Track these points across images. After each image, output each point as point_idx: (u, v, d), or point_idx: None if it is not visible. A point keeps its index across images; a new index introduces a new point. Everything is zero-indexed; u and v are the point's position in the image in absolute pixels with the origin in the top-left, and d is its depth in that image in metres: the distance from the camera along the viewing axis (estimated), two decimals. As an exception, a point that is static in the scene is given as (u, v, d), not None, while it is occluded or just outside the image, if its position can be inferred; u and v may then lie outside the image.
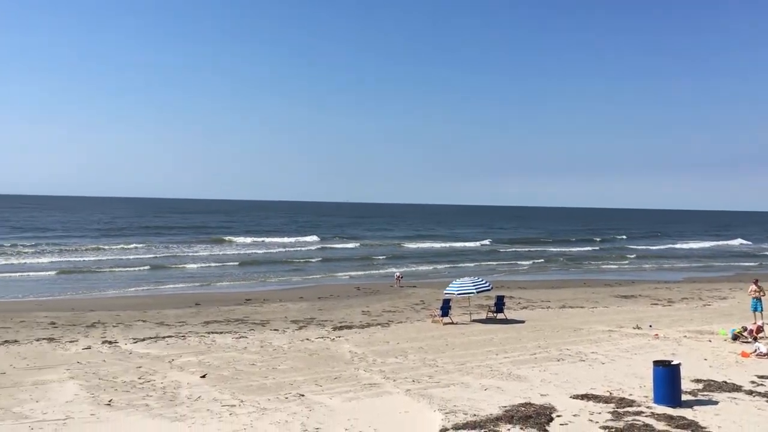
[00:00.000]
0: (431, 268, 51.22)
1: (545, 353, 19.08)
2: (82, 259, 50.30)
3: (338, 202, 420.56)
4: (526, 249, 73.14)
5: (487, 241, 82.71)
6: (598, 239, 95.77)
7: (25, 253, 52.20)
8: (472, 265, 54.38)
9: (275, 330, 23.00)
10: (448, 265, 52.78)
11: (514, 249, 73.05)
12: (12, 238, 65.00)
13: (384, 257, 59.09)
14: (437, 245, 75.51)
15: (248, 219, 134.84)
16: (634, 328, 23.60)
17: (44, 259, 48.55)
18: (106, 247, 58.95)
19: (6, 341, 20.19)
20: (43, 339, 20.63)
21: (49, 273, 41.46)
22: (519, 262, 57.57)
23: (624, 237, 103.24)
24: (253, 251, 62.54)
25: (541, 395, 14.23)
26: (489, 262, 56.87)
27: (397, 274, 39.71)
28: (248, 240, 74.54)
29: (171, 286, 37.23)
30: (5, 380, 15.44)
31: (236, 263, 50.99)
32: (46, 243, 61.24)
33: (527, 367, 17.14)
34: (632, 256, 67.66)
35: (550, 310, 28.84)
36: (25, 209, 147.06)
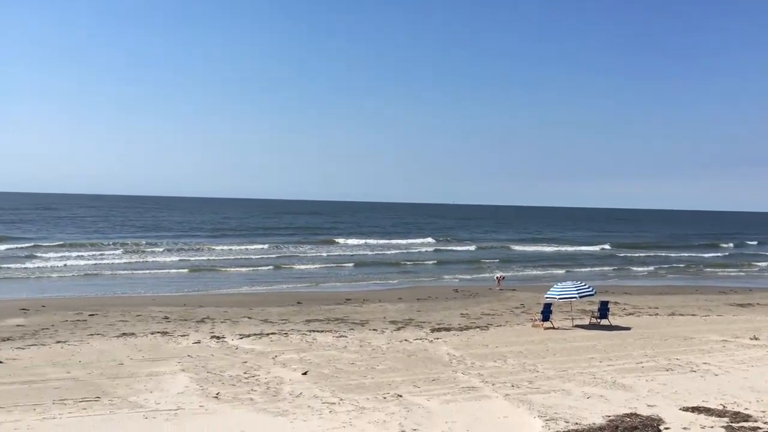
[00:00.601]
0: (544, 272, 49.34)
1: (653, 362, 18.29)
2: (206, 258, 52.20)
3: (440, 204, 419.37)
4: (647, 254, 68.94)
5: (606, 245, 78.14)
6: (724, 244, 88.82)
7: (151, 251, 54.75)
8: (587, 269, 52.25)
9: (374, 330, 23.26)
10: (562, 270, 50.46)
11: (636, 254, 68.84)
12: (139, 237, 68.67)
13: (496, 260, 57.52)
14: (549, 249, 72.98)
15: (355, 220, 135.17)
16: (751, 339, 22.22)
17: (172, 258, 50.80)
18: (224, 247, 60.64)
19: (124, 333, 21.49)
20: (158, 332, 21.80)
21: (180, 270, 43.70)
22: (636, 268, 54.69)
23: (755, 243, 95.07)
24: (365, 252, 62.46)
25: (648, 406, 13.66)
26: (606, 267, 54.36)
27: (498, 276, 39.21)
28: (360, 241, 73.68)
29: (280, 286, 38.35)
30: (123, 371, 16.45)
31: (349, 264, 51.22)
32: (170, 242, 64.06)
33: (633, 376, 16.49)
34: (763, 264, 62.11)
35: (658, 317, 27.62)
36: (148, 209, 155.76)
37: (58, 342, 19.95)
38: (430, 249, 68.92)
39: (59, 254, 49.72)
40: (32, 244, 56.67)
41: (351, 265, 50.93)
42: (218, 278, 41.11)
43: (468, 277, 45.29)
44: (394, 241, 75.53)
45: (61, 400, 13.65)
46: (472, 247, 71.65)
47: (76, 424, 12.01)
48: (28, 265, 43.29)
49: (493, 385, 15.47)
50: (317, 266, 49.51)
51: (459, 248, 71.19)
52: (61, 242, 58.99)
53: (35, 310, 25.89)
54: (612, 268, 54.70)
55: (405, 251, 65.09)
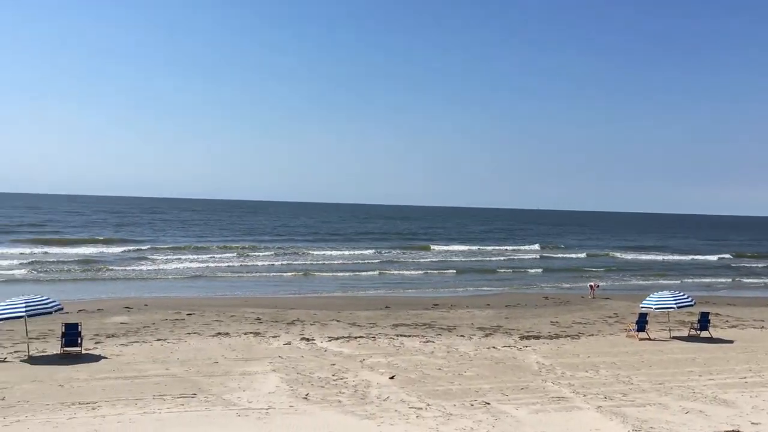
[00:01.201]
0: (651, 282, 46.66)
1: (758, 378, 17.28)
2: (309, 262, 53.00)
3: (526, 210, 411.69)
4: (765, 265, 64.40)
5: (726, 255, 73.16)
6: None
7: (255, 255, 56.20)
8: (697, 279, 49.61)
9: (461, 336, 23.10)
10: (673, 281, 47.58)
11: (756, 264, 64.64)
12: (242, 241, 70.28)
13: (602, 269, 55.22)
14: (661, 257, 69.49)
15: (450, 226, 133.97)
16: None
17: (276, 262, 52.01)
18: (325, 252, 61.06)
19: (219, 333, 22.28)
20: (250, 333, 22.47)
21: (283, 274, 44.66)
22: (750, 279, 51.37)
23: None
24: (460, 258, 61.55)
25: (753, 423, 12.92)
26: (721, 279, 51.23)
27: (592, 284, 38.11)
28: (461, 247, 72.30)
29: (369, 290, 38.71)
30: (218, 369, 17.05)
31: (441, 270, 50.52)
32: (275, 246, 65.19)
33: (735, 392, 15.64)
34: None
35: (764, 330, 26.07)
36: (245, 214, 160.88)
37: (159, 340, 20.91)
38: (536, 256, 66.96)
39: (169, 256, 52.05)
40: (148, 246, 59.32)
41: (444, 271, 50.26)
42: (313, 281, 41.87)
43: (567, 285, 43.88)
44: (497, 248, 73.69)
45: (160, 395, 14.30)
46: (581, 255, 68.86)
47: (174, 419, 12.55)
48: (141, 267, 45.18)
49: (584, 396, 15.04)
50: (411, 272, 49.03)
51: (566, 256, 68.63)
52: (173, 245, 61.45)
53: (138, 309, 27.25)
54: (726, 279, 51.54)
55: (509, 258, 63.50)
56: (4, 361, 17.56)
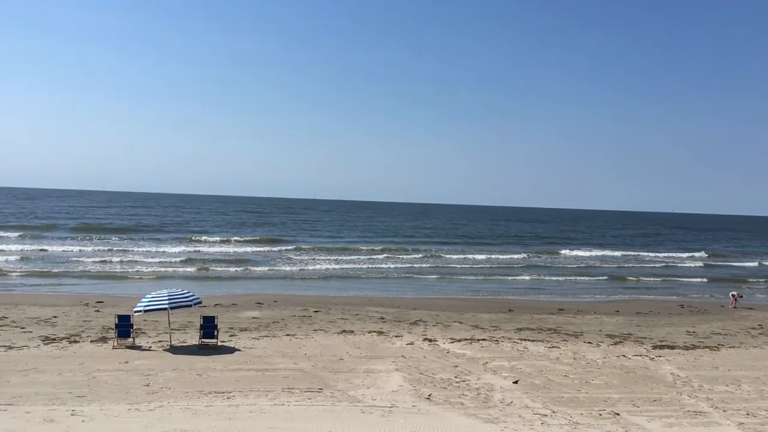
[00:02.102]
0: None
1: None
2: (445, 265, 51.84)
3: (661, 213, 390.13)
4: None
5: None
6: None
7: (400, 258, 55.69)
8: None
9: (589, 343, 22.33)
10: None
11: None
12: (382, 243, 69.48)
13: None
14: None
15: (582, 229, 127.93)
16: None
17: (423, 264, 51.49)
18: (459, 255, 58.98)
19: (344, 331, 22.83)
20: (374, 332, 22.86)
21: (429, 277, 44.09)
22: None
23: None
24: (594, 264, 58.56)
25: None
26: None
27: (734, 293, 35.62)
28: (598, 253, 68.60)
29: (492, 293, 38.33)
30: (343, 366, 17.49)
31: (567, 276, 48.27)
32: (422, 248, 64.37)
33: None
34: None
35: None
36: (372, 214, 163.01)
37: (287, 335, 21.74)
38: (699, 264, 61.33)
39: (311, 257, 53.27)
40: (293, 246, 60.84)
41: (570, 277, 47.92)
42: (437, 283, 41.83)
43: (706, 295, 41.00)
44: (664, 255, 68.96)
45: (289, 388, 14.87)
46: (753, 264, 62.35)
47: (301, 412, 13.00)
48: (282, 267, 45.80)
49: (724, 411, 14.10)
50: (541, 277, 47.05)
51: (736, 264, 62.22)
52: (316, 245, 62.85)
53: (268, 305, 28.47)
54: None
55: (667, 264, 59.36)
56: (149, 350, 18.93)
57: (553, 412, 13.65)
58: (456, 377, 16.58)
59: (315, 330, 22.88)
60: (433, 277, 44.27)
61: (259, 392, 14.44)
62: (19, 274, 36.69)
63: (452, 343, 21.35)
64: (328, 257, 53.61)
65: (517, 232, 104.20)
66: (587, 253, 67.84)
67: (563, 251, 68.99)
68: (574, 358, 19.50)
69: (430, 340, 21.62)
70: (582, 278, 46.92)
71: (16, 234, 58.84)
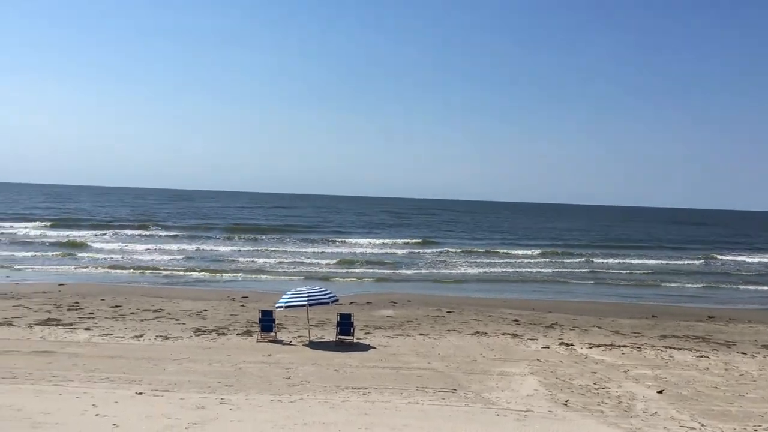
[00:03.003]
0: None
1: None
2: (605, 270, 48.99)
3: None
4: None
5: None
6: None
7: (560, 262, 53.67)
8: None
9: (742, 354, 20.76)
10: None
11: None
12: (537, 246, 65.91)
13: None
14: None
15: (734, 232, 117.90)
16: None
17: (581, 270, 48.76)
18: (611, 260, 55.65)
19: (477, 332, 22.69)
20: (508, 334, 22.53)
21: (585, 282, 42.27)
22: None
23: None
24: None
25: None
26: None
27: None
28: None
29: (630, 298, 36.67)
30: (476, 367, 17.38)
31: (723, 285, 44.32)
32: (582, 251, 61.58)
33: None
34: None
35: None
36: (507, 215, 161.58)
37: (421, 334, 21.92)
38: None
39: (465, 259, 52.33)
40: (444, 249, 59.83)
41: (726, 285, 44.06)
42: (581, 287, 40.61)
43: None
44: None
45: (423, 387, 15.00)
46: None
47: (436, 411, 13.06)
48: (424, 270, 44.99)
49: None
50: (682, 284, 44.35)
51: None
52: (467, 247, 61.44)
53: (402, 304, 28.85)
54: None
55: None
56: (289, 344, 19.77)
57: (702, 425, 12.82)
58: (595, 384, 15.99)
59: (448, 330, 22.90)
60: (590, 282, 42.07)
61: (393, 390, 14.68)
62: (177, 271, 39.49)
63: (590, 348, 20.61)
64: (478, 260, 52.12)
65: (679, 235, 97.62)
66: (755, 259, 61.85)
67: (726, 256, 63.30)
68: (726, 369, 18.21)
69: (567, 345, 20.99)
70: (748, 287, 43.40)
71: (174, 233, 63.68)
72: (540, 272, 46.14)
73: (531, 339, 21.80)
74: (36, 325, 21.26)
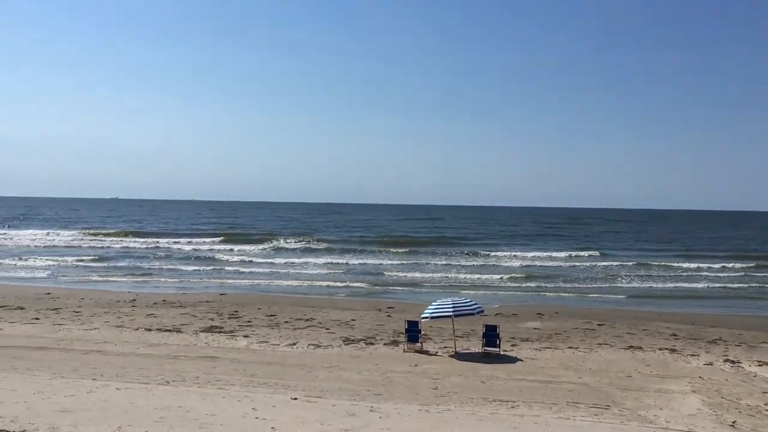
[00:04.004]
0: None
1: None
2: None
3: None
4: None
5: None
6: None
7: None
8: None
9: None
10: None
11: None
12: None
13: None
14: None
15: None
16: None
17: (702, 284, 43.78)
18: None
19: (631, 346, 21.61)
20: (665, 349, 21.26)
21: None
22: None
23: None
24: None
25: None
26: None
27: None
28: None
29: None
30: (631, 383, 16.57)
31: None
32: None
33: None
34: None
35: None
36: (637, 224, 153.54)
37: (570, 347, 21.23)
38: None
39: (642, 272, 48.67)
40: (615, 262, 55.78)
41: None
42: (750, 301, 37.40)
43: None
44: None
45: (574, 402, 14.52)
46: None
47: (588, 428, 12.60)
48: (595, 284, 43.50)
49: None
50: None
51: None
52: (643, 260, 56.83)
53: (549, 316, 28.11)
54: None
55: None
56: (435, 355, 19.89)
57: None
58: (766, 405, 14.71)
59: (599, 344, 22.01)
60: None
61: (543, 404, 14.33)
62: (330, 282, 40.89)
63: (760, 366, 18.99)
64: (653, 273, 48.32)
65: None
66: None
67: None
68: None
69: (733, 362, 19.47)
70: None
71: (328, 246, 66.43)
72: (729, 288, 41.66)
73: (691, 355, 20.44)
74: (201, 332, 22.90)
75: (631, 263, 54.43)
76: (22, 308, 27.58)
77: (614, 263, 54.65)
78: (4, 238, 72.90)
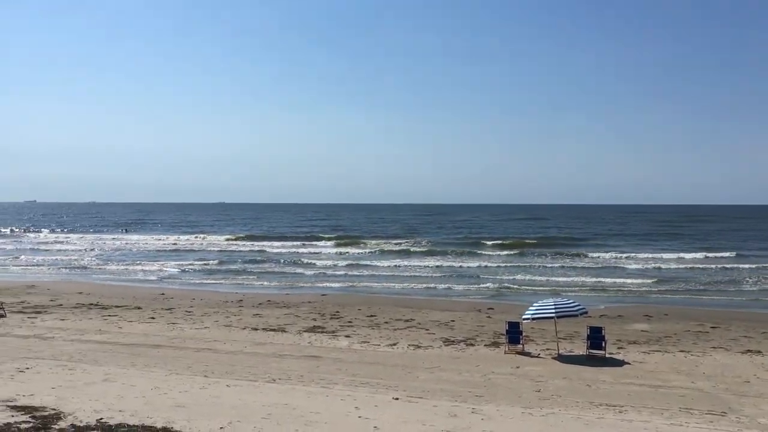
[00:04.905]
0: None
1: None
2: None
3: None
4: None
5: None
6: None
7: None
8: None
9: None
10: None
11: None
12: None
13: None
14: None
15: None
16: None
17: None
18: None
19: (749, 350, 20.39)
20: (787, 353, 19.93)
21: None
22: None
23: None
24: None
25: None
26: None
27: None
28: None
29: None
30: (750, 389, 15.64)
31: None
32: None
33: None
34: None
35: None
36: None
37: (681, 351, 20.28)
38: None
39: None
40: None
41: None
42: None
43: None
44: None
45: (687, 408, 13.86)
46: None
47: (703, 436, 12.00)
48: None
49: None
50: None
51: None
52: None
53: (658, 318, 26.95)
54: None
55: None
56: (538, 357, 19.51)
57: None
58: None
59: (713, 347, 20.90)
60: None
61: (653, 409, 13.76)
62: (423, 286, 40.85)
63: None
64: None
65: None
66: None
67: None
68: None
69: None
70: None
71: (430, 248, 65.98)
72: None
73: (817, 360, 19.05)
74: (304, 331, 23.51)
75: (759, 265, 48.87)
76: (139, 308, 29.27)
77: (744, 265, 49.14)
78: (123, 243, 77.78)
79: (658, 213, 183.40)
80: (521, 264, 52.36)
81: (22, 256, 60.61)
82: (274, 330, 23.80)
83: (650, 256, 56.94)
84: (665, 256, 56.59)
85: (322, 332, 23.42)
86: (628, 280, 40.85)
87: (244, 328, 24.13)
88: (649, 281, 40.73)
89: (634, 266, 50.19)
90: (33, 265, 53.06)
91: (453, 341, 21.81)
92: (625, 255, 57.65)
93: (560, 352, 20.04)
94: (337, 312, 28.20)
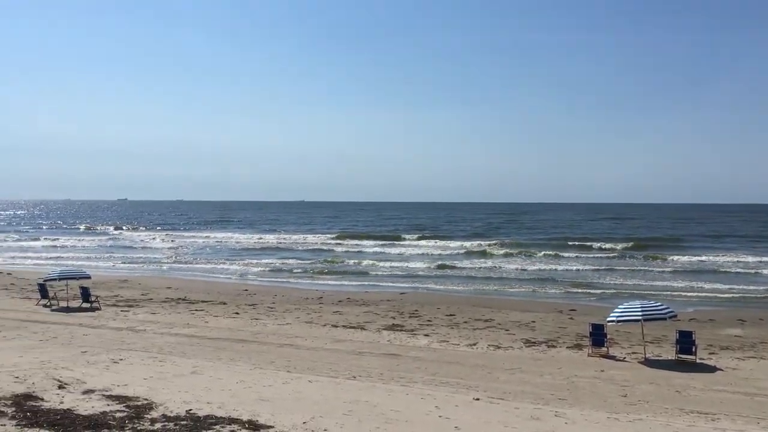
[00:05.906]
0: None
1: None
2: None
3: None
4: None
5: None
6: None
7: None
8: None
9: None
10: None
11: None
12: None
13: None
14: None
15: None
16: None
17: None
18: None
19: None
20: None
21: None
22: None
23: None
24: None
25: None
26: None
27: None
28: None
29: None
30: None
31: None
32: None
33: None
34: None
35: None
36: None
37: (779, 358, 19.23)
38: None
39: None
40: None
41: None
42: None
43: None
44: None
45: (785, 419, 13.13)
46: None
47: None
48: None
49: None
50: None
51: None
52: None
53: (752, 323, 25.67)
54: None
55: None
56: (623, 360, 18.92)
57: None
58: None
59: (814, 355, 19.70)
60: None
61: (748, 418, 13.10)
62: (498, 288, 40.25)
63: None
64: None
65: None
66: None
67: None
68: None
69: None
70: None
71: (503, 251, 63.97)
72: None
73: None
74: (383, 329, 23.64)
75: None
76: (224, 303, 30.19)
77: None
78: (210, 240, 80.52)
79: (749, 213, 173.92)
80: (607, 266, 50.45)
81: (115, 253, 63.73)
82: (353, 327, 24.05)
83: (752, 260, 52.84)
84: (765, 259, 52.98)
85: (401, 330, 23.48)
86: (721, 285, 38.85)
87: (325, 325, 24.49)
88: (745, 286, 38.74)
89: (728, 269, 47.77)
90: (125, 261, 55.61)
91: (534, 342, 21.44)
92: (721, 258, 54.35)
93: (647, 356, 19.36)
94: (416, 311, 28.21)
